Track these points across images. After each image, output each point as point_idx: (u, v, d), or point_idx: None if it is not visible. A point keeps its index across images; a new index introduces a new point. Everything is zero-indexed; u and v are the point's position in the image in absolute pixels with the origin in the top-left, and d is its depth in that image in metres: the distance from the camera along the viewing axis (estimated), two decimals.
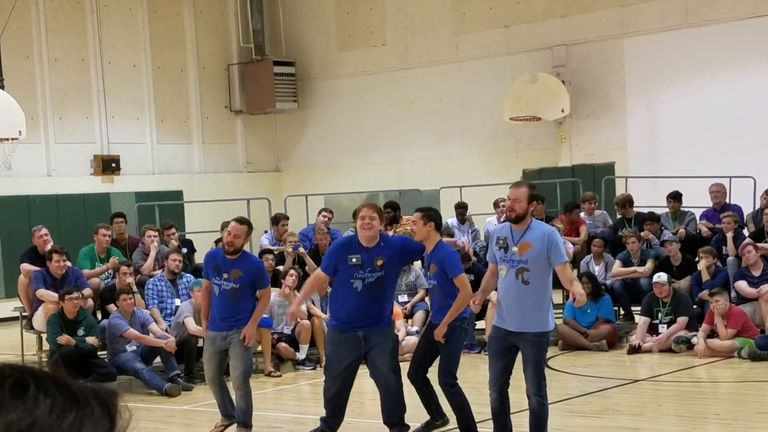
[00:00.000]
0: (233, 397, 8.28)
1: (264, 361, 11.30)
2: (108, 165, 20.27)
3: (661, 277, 12.07)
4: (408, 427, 7.86)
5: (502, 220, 14.31)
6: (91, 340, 10.81)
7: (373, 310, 7.55)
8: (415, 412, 8.11)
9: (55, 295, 11.25)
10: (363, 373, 8.20)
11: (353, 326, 7.56)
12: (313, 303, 12.19)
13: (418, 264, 12.32)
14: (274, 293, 11.83)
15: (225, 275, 8.05)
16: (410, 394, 8.12)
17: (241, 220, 8.26)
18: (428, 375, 8.02)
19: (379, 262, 7.45)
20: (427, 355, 7.93)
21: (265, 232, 15.46)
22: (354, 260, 7.44)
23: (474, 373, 8.60)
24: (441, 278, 7.57)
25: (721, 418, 8.65)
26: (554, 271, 6.94)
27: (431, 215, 7.71)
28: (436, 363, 7.95)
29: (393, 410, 7.74)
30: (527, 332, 6.71)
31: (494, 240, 6.98)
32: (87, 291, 11.61)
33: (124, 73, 20.75)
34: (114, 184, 20.36)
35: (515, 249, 6.76)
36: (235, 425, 8.31)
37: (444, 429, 8.03)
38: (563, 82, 18.98)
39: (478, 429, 7.71)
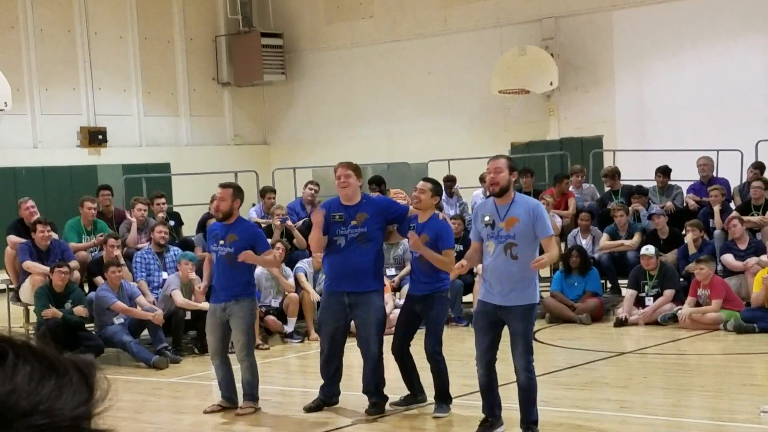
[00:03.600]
0: (240, 371, 8.28)
1: None
2: (95, 137, 20.18)
3: (649, 249, 12.12)
4: (386, 398, 7.96)
5: (488, 195, 14.31)
6: (80, 309, 10.77)
7: (357, 268, 7.72)
8: (395, 385, 8.15)
9: (42, 267, 11.23)
10: (351, 345, 8.24)
11: (339, 286, 7.82)
12: (305, 276, 12.18)
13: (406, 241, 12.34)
14: (260, 267, 11.82)
15: (221, 241, 8.14)
16: (393, 368, 8.16)
17: (225, 185, 8.39)
18: (412, 350, 8.07)
19: (361, 218, 7.72)
20: (409, 328, 8.01)
21: (253, 205, 15.43)
22: (337, 217, 7.79)
23: (461, 346, 8.64)
24: (431, 249, 7.67)
25: (706, 390, 8.71)
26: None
27: (438, 190, 8.00)
28: (419, 338, 8.00)
29: (371, 380, 7.93)
30: (517, 305, 6.70)
31: (478, 218, 6.94)
32: (73, 263, 11.58)
33: (111, 45, 20.62)
34: (101, 157, 20.28)
35: (502, 224, 6.74)
36: (228, 407, 8.33)
37: (420, 405, 8.08)
38: (552, 54, 18.94)
39: (467, 402, 7.76)
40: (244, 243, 8.09)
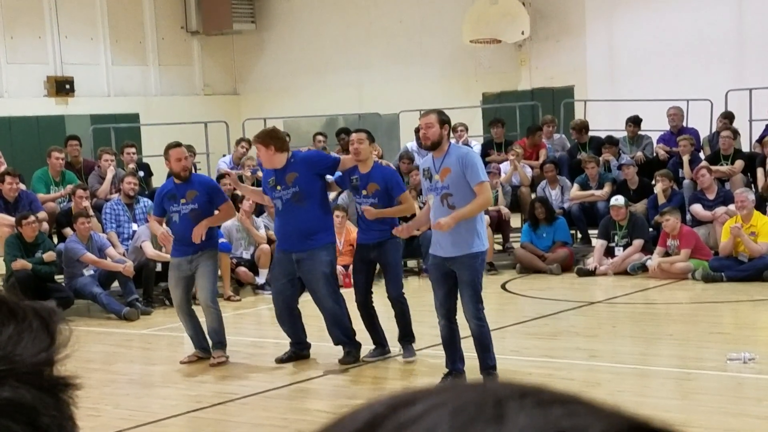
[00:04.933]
0: (204, 322, 8.32)
1: (223, 286, 11.30)
2: (62, 86, 19.89)
3: (618, 200, 12.18)
4: (359, 344, 8.04)
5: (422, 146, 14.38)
6: (48, 255, 10.63)
7: (297, 229, 7.77)
8: (366, 335, 8.19)
9: (10, 218, 11.12)
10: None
11: (286, 247, 7.91)
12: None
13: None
14: (232, 219, 11.77)
15: (183, 200, 8.13)
16: (359, 319, 8.20)
17: (178, 144, 8.45)
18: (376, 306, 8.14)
19: (291, 178, 7.77)
20: (368, 276, 8.09)
21: (224, 155, 15.35)
22: (270, 182, 7.89)
23: (431, 297, 8.65)
24: (383, 196, 7.81)
25: (674, 338, 8.81)
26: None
27: (372, 137, 8.06)
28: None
29: (338, 332, 8.01)
30: (460, 255, 6.82)
31: (422, 173, 7.12)
32: (42, 214, 11.48)
33: None
34: (68, 107, 20.02)
35: (437, 176, 6.87)
36: (203, 356, 8.38)
37: (388, 356, 8.13)
38: (523, 3, 18.84)
39: (437, 352, 7.82)
40: (205, 197, 8.19)
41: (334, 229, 8.27)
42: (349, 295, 8.31)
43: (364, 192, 7.88)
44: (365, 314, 8.07)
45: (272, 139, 7.88)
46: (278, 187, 7.79)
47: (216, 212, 8.30)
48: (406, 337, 8.00)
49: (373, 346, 8.18)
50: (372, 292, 8.10)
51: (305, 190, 7.77)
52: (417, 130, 14.98)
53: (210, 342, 8.32)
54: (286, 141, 8.10)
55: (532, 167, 14.07)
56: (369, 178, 7.82)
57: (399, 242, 8.05)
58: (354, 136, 8.03)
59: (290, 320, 8.12)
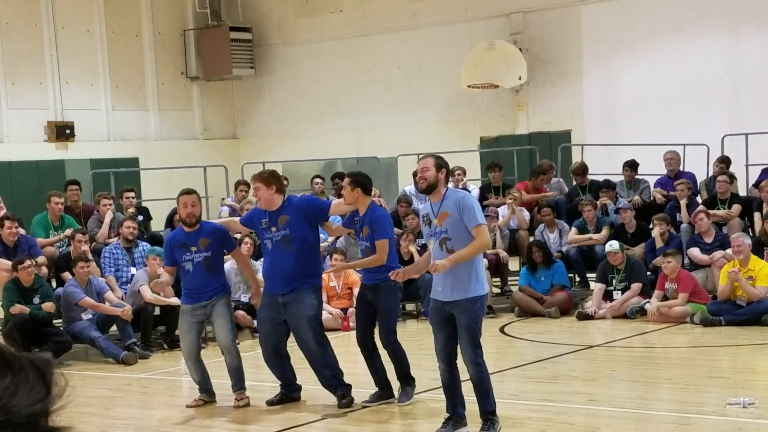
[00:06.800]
0: (224, 361, 8.38)
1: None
2: (62, 131, 20.00)
3: (613, 245, 12.18)
4: (349, 386, 8.04)
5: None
6: (48, 306, 10.66)
7: (285, 270, 7.86)
8: (365, 380, 8.16)
9: (8, 263, 11.13)
10: None
11: (273, 288, 7.98)
12: None
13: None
14: (230, 261, 11.78)
15: (194, 248, 8.16)
16: (360, 362, 8.17)
17: (189, 191, 8.43)
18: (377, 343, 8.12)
19: (282, 221, 7.90)
20: (368, 316, 8.08)
21: (222, 199, 15.38)
22: (263, 223, 8.03)
23: (431, 340, 8.63)
24: (372, 241, 7.83)
25: (673, 382, 8.78)
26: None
27: (358, 180, 7.97)
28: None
29: (326, 374, 8.03)
30: (459, 299, 6.79)
31: (422, 219, 7.14)
32: (41, 259, 11.49)
33: (78, 38, 20.44)
34: (68, 151, 20.11)
35: (436, 221, 6.87)
36: (208, 401, 8.44)
37: (389, 401, 8.09)
38: (520, 49, 19.00)
39: (436, 395, 7.79)
40: (218, 244, 8.28)
41: (322, 274, 8.35)
42: (349, 338, 8.30)
43: (361, 234, 7.92)
44: (365, 354, 8.06)
45: (275, 179, 8.07)
46: (272, 229, 7.92)
47: (229, 258, 8.56)
48: (404, 379, 7.99)
49: (374, 390, 8.14)
50: (373, 333, 8.08)
51: (295, 233, 7.88)
52: (415, 174, 15.08)
53: (230, 382, 8.35)
54: (284, 184, 8.32)
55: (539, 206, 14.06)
56: (363, 222, 7.88)
57: (394, 287, 7.95)
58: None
59: (278, 363, 8.17)
